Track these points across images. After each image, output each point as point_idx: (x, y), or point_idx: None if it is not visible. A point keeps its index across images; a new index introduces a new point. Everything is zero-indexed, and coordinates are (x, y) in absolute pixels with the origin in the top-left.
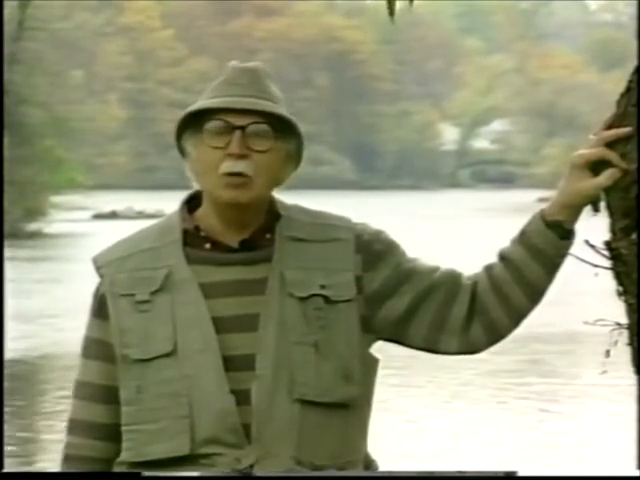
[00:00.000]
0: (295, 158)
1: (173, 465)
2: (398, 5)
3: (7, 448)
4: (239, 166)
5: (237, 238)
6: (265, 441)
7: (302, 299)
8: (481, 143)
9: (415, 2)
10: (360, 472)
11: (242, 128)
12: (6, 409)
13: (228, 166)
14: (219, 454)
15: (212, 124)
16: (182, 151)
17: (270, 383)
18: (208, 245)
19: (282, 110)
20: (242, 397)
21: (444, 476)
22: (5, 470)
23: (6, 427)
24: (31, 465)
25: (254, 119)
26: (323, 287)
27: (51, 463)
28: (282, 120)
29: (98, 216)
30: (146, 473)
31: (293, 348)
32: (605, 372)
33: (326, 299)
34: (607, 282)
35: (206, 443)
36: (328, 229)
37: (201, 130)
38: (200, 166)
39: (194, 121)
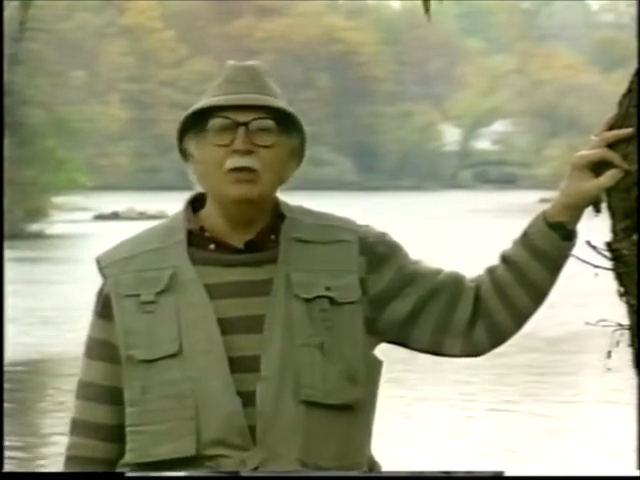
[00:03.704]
0: (298, 154)
1: (178, 466)
2: (400, 6)
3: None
4: (245, 161)
5: (242, 239)
6: (270, 443)
7: (308, 300)
8: (482, 144)
9: (416, 2)
10: (347, 473)
11: (246, 124)
12: (6, 410)
13: (234, 162)
14: (224, 456)
15: (216, 122)
16: (184, 154)
17: (275, 385)
18: (213, 246)
19: (284, 104)
20: (247, 399)
21: (431, 476)
22: (5, 470)
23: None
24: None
25: (257, 115)
26: (328, 289)
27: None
28: (285, 115)
29: (99, 217)
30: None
31: (299, 350)
32: (606, 372)
33: (331, 301)
34: (608, 283)
35: (212, 445)
36: (332, 231)
37: (204, 130)
38: (205, 166)
39: (196, 122)
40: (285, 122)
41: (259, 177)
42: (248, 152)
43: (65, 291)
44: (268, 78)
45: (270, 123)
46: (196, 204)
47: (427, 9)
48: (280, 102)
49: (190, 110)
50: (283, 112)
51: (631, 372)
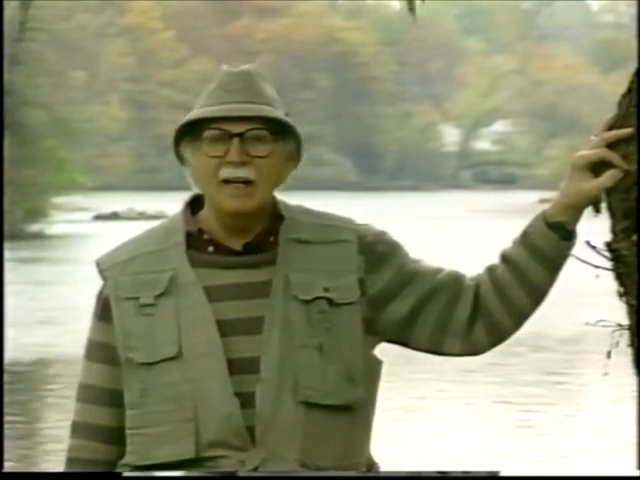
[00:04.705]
0: (295, 158)
1: (178, 468)
2: (400, 6)
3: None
4: (241, 172)
5: (241, 241)
6: (269, 444)
7: (306, 302)
8: (482, 144)
9: (416, 3)
10: (346, 473)
11: (240, 135)
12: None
13: (228, 172)
14: (224, 457)
15: (209, 133)
16: (180, 158)
17: (274, 386)
18: (212, 248)
19: (279, 112)
20: (246, 400)
21: (427, 476)
22: (5, 470)
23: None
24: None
25: (252, 125)
26: (327, 290)
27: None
28: (280, 122)
29: (99, 217)
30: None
31: (297, 351)
32: (606, 373)
33: (330, 302)
34: (608, 283)
35: (211, 446)
36: (331, 230)
37: (199, 138)
38: (200, 174)
39: (191, 129)
40: (280, 128)
41: (255, 188)
42: (243, 163)
43: (65, 291)
44: (264, 82)
45: (264, 133)
46: (195, 205)
47: (412, 8)
48: (274, 110)
49: (183, 121)
50: (278, 120)
51: (631, 372)
